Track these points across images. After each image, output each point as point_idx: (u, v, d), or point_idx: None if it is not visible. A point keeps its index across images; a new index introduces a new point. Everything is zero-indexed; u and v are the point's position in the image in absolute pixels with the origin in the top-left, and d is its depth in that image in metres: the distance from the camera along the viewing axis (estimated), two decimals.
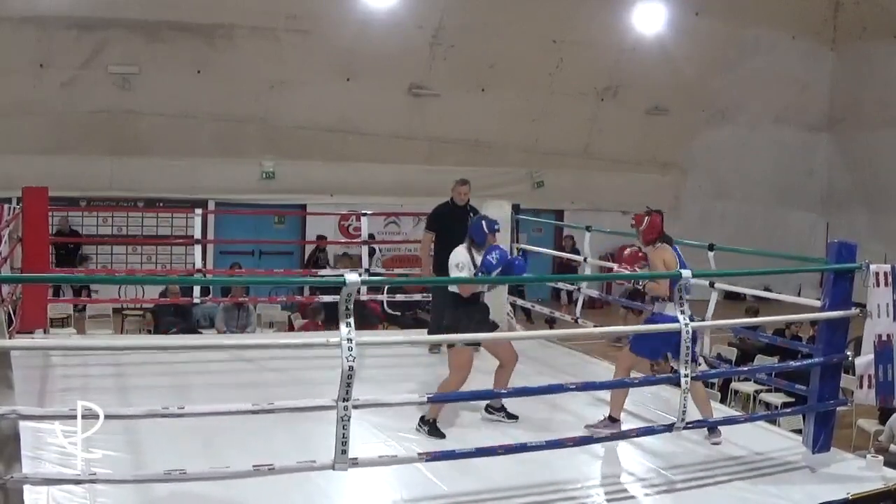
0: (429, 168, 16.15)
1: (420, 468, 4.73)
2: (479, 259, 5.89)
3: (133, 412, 4.15)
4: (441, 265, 7.93)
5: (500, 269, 5.82)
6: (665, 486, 4.99)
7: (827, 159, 19.48)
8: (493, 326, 6.36)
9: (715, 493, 4.92)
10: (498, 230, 6.16)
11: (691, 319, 5.03)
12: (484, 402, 6.11)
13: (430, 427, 5.63)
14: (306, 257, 15.29)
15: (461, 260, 5.98)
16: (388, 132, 16.10)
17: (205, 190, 14.86)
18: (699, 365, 5.91)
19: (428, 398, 4.42)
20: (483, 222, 6.07)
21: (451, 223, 7.94)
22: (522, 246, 10.15)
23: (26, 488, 3.67)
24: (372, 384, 6.54)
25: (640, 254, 5.99)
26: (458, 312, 5.90)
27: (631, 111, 17.41)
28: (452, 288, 5.97)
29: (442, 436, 5.57)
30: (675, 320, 5.07)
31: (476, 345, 6.25)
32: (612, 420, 5.75)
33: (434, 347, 8.06)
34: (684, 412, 4.92)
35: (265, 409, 4.04)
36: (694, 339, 5.17)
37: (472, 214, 8.03)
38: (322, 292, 10.94)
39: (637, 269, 5.94)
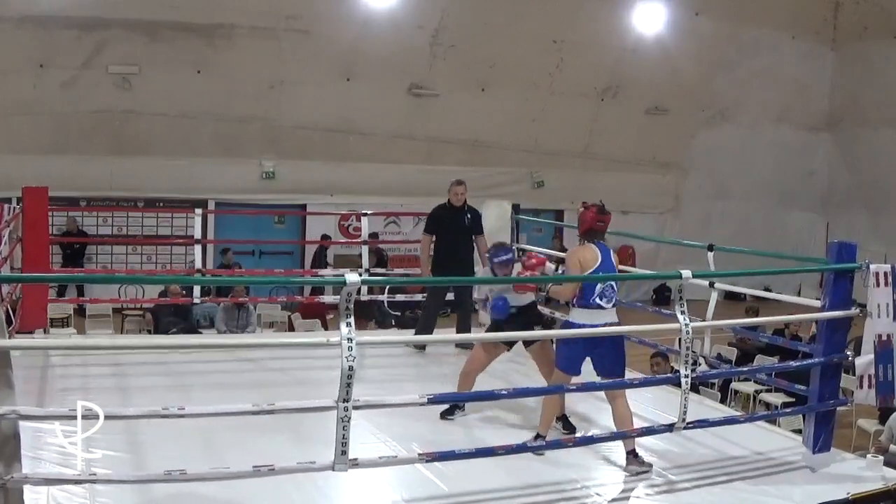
0: (429, 168, 16.13)
1: (420, 468, 4.73)
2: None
3: (133, 412, 4.14)
4: (439, 266, 8.00)
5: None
6: (665, 486, 4.98)
7: (827, 159, 19.49)
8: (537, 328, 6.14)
9: (715, 493, 4.91)
10: (508, 261, 6.03)
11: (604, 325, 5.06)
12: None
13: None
14: (312, 257, 15.27)
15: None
16: (388, 132, 16.10)
17: (205, 190, 14.86)
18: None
19: (428, 399, 4.41)
20: (492, 259, 6.05)
21: (449, 224, 8.06)
22: (522, 246, 10.14)
23: (26, 488, 3.67)
24: (372, 384, 6.56)
25: (538, 259, 6.01)
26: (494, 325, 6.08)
27: (631, 111, 17.42)
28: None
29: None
30: (582, 326, 5.07)
31: (509, 345, 6.20)
32: (538, 437, 5.29)
33: (420, 347, 8.07)
34: (684, 412, 4.92)
35: (265, 409, 4.04)
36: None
37: (469, 215, 8.15)
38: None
39: (537, 273, 5.88)
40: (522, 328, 5.88)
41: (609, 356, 5.26)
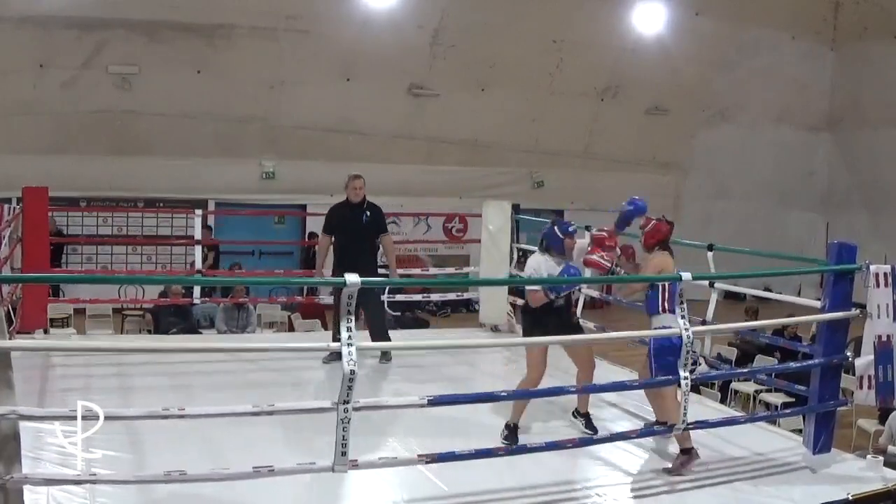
0: (429, 168, 16.16)
1: (420, 469, 4.73)
2: (558, 268, 5.54)
3: (133, 413, 4.14)
4: (340, 267, 7.39)
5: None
6: (665, 486, 4.99)
7: (827, 159, 19.48)
8: (574, 331, 5.86)
9: (715, 493, 4.92)
10: (574, 232, 5.75)
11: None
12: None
13: (510, 432, 5.49)
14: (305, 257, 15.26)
15: (535, 267, 5.62)
16: (388, 132, 16.09)
17: (205, 190, 14.85)
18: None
19: (428, 400, 4.41)
20: (555, 227, 5.70)
21: (347, 223, 7.56)
22: (522, 246, 10.14)
23: (26, 488, 3.67)
24: (372, 385, 6.57)
25: (612, 239, 5.85)
26: (527, 318, 5.77)
27: (631, 111, 17.42)
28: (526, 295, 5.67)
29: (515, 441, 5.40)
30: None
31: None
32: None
33: (383, 357, 7.62)
34: (684, 412, 4.92)
35: (266, 410, 4.04)
36: None
37: (368, 213, 7.66)
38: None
39: (612, 254, 5.79)
40: (560, 322, 5.61)
41: None
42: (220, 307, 10.46)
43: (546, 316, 5.60)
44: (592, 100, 17.23)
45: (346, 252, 7.54)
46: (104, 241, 14.71)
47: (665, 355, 5.13)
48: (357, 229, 7.59)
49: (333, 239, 7.66)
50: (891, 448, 7.45)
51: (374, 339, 7.44)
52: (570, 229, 5.72)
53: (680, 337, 4.84)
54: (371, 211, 7.73)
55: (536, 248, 5.83)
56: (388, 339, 7.66)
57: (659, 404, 5.48)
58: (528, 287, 5.60)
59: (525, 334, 5.72)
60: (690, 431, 5.12)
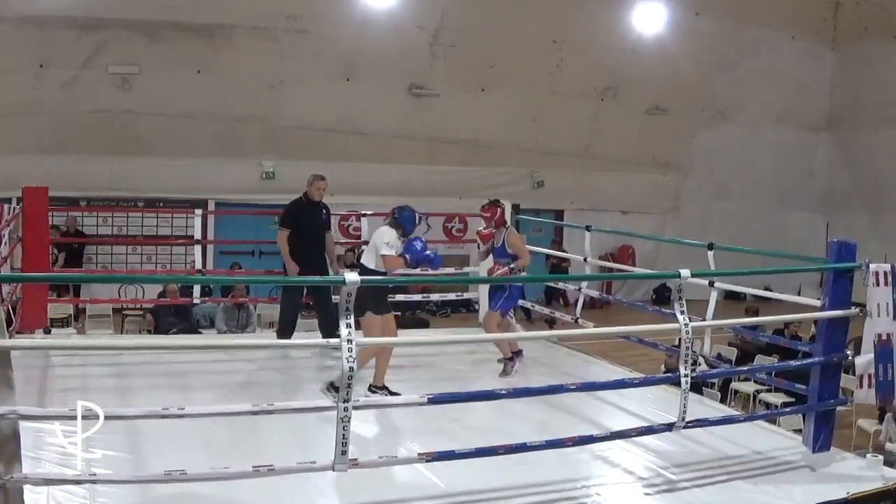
0: (429, 168, 16.17)
1: (420, 468, 4.73)
2: (400, 244, 6.58)
3: (133, 412, 4.14)
4: (298, 262, 7.71)
5: (419, 257, 6.59)
6: (665, 486, 4.98)
7: (827, 159, 19.50)
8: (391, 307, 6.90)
9: (715, 493, 4.91)
10: (420, 224, 6.90)
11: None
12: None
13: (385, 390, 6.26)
14: None
15: (390, 239, 6.55)
16: (388, 132, 16.10)
17: (205, 190, 14.86)
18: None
19: (428, 399, 4.42)
20: (416, 214, 6.74)
21: (307, 219, 7.86)
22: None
23: (26, 488, 3.67)
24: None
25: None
26: (366, 293, 6.19)
27: (631, 111, 17.43)
28: (372, 265, 6.54)
29: (395, 393, 6.01)
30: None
31: (388, 312, 6.69)
32: (510, 359, 7.38)
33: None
34: (684, 412, 4.92)
35: (265, 409, 4.04)
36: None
37: (325, 211, 8.02)
38: None
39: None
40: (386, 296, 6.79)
41: None
42: (220, 307, 10.46)
43: (381, 289, 6.54)
44: (592, 100, 17.24)
45: (305, 247, 7.84)
46: (104, 241, 14.72)
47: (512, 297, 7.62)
48: (317, 226, 7.97)
49: (290, 234, 7.89)
50: (889, 446, 7.46)
51: (324, 335, 7.43)
52: (419, 218, 6.90)
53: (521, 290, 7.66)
54: (326, 210, 8.12)
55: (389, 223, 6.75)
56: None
57: (497, 344, 7.44)
58: (385, 252, 6.50)
59: (362, 308, 6.21)
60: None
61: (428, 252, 6.67)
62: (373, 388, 6.38)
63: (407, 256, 6.57)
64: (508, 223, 7.75)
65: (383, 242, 6.53)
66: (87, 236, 14.47)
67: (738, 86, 17.84)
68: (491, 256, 7.92)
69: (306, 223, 7.86)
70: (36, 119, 14.06)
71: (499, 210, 7.63)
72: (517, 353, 7.45)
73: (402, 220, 6.69)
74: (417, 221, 6.79)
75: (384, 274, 6.53)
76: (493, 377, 7.40)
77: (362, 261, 6.76)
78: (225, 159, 15.18)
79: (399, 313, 11.06)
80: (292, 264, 7.80)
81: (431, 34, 15.47)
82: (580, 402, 6.23)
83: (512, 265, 7.50)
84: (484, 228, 7.76)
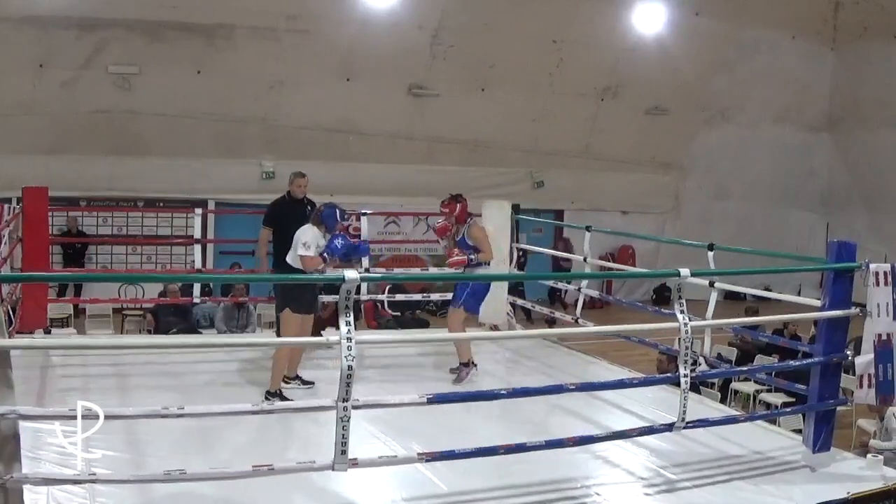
0: (429, 168, 16.15)
1: (420, 468, 4.73)
2: (323, 242, 6.57)
3: (133, 412, 4.14)
4: (281, 260, 7.59)
5: (344, 251, 6.54)
6: (665, 486, 4.98)
7: (827, 159, 19.48)
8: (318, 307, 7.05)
9: (715, 493, 4.91)
10: (347, 221, 6.97)
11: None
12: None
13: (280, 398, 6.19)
14: None
15: (308, 239, 6.53)
16: (388, 132, 16.10)
17: (205, 190, 14.85)
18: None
19: (428, 398, 4.42)
20: (337, 210, 6.72)
21: (289, 218, 7.72)
22: (522, 246, 10.15)
23: (26, 488, 3.67)
24: (371, 384, 6.56)
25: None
26: (289, 289, 6.49)
27: (631, 111, 17.42)
28: (297, 265, 6.56)
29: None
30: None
31: (308, 313, 6.71)
32: (465, 365, 7.24)
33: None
34: (684, 412, 4.91)
35: (265, 409, 4.04)
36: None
37: (309, 208, 7.82)
38: None
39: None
40: (313, 295, 6.83)
41: None
42: (220, 307, 10.46)
43: (306, 288, 6.60)
44: (592, 100, 17.23)
45: (288, 245, 7.64)
46: (104, 240, 14.72)
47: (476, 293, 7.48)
48: (299, 224, 7.76)
49: (273, 232, 7.88)
50: (873, 442, 7.46)
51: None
52: (347, 217, 7.04)
53: (487, 286, 7.51)
54: (311, 207, 7.95)
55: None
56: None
57: (457, 346, 7.28)
58: (302, 252, 6.51)
59: (282, 303, 6.56)
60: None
61: (351, 243, 6.71)
62: (268, 396, 6.27)
63: (326, 255, 6.54)
64: (472, 217, 7.70)
65: (300, 243, 6.55)
66: (88, 236, 14.47)
67: (737, 86, 17.83)
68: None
69: (287, 221, 7.71)
70: (36, 119, 14.05)
71: (458, 205, 7.53)
72: (471, 362, 7.34)
73: (324, 219, 6.69)
74: (340, 218, 6.77)
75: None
76: (493, 377, 7.40)
77: (287, 259, 6.73)
78: (225, 159, 15.18)
79: (399, 313, 11.08)
80: (263, 264, 7.91)
81: (431, 34, 15.46)
82: (580, 402, 6.23)
83: (472, 256, 7.39)
84: (438, 223, 7.69)
